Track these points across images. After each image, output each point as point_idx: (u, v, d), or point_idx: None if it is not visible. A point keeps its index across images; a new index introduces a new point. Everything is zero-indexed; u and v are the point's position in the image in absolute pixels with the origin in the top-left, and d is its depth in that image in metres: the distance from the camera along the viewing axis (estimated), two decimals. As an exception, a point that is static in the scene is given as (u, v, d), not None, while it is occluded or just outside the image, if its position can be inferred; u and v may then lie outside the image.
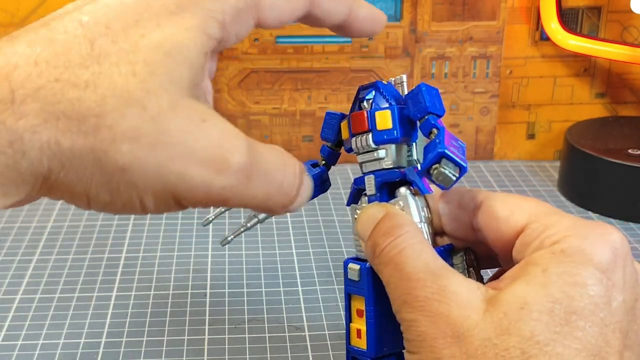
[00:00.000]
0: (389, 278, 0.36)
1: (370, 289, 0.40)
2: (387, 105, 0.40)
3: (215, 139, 0.32)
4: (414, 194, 0.40)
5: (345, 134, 0.42)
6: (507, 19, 0.81)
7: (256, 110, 0.82)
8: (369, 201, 0.41)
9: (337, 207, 0.74)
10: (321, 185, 0.42)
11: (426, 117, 0.38)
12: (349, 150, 0.42)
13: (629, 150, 0.73)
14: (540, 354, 0.31)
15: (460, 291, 0.34)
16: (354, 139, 0.41)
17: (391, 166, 0.40)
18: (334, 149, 0.43)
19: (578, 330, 0.31)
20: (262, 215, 0.43)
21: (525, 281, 0.33)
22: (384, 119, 0.40)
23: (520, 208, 0.36)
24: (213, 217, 0.45)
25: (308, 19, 0.38)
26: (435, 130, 0.38)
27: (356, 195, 0.42)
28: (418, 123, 0.39)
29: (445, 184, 0.37)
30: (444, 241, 0.41)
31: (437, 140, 0.37)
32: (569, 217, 0.35)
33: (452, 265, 0.39)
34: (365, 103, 0.41)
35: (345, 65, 0.81)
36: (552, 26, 0.79)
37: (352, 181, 0.42)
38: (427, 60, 0.82)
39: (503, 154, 0.86)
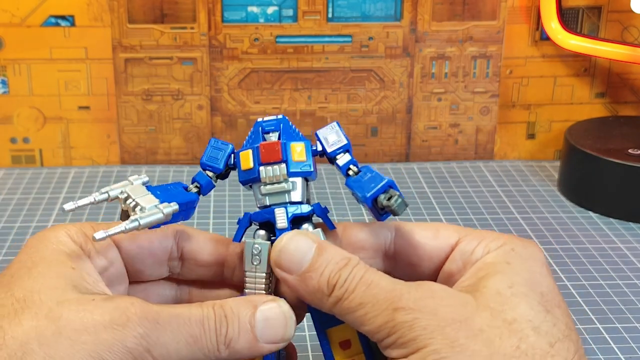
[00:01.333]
0: (363, 299, 0.36)
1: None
2: (300, 139, 0.41)
3: (105, 306, 0.35)
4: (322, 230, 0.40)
5: (247, 164, 0.40)
6: (507, 18, 0.81)
7: (256, 110, 0.82)
8: (278, 234, 0.39)
9: (337, 207, 0.74)
10: (186, 212, 0.40)
11: (345, 153, 0.41)
12: (245, 182, 0.41)
13: (629, 150, 0.73)
14: (544, 323, 0.35)
15: (444, 288, 0.36)
16: (263, 168, 0.40)
17: (299, 199, 0.40)
18: (213, 179, 0.42)
19: (556, 309, 0.36)
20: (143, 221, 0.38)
21: (498, 272, 0.37)
22: (300, 151, 0.40)
23: (444, 228, 0.41)
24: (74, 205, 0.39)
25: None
26: (353, 167, 0.41)
27: (248, 229, 0.41)
28: (337, 159, 0.41)
29: (399, 212, 0.38)
30: None
31: (373, 173, 0.40)
32: (493, 231, 0.40)
33: None
34: (271, 135, 0.41)
35: (345, 65, 0.81)
36: (552, 26, 0.79)
37: (242, 217, 0.41)
38: (427, 60, 0.82)
39: (503, 154, 0.86)
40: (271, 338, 0.37)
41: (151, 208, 0.38)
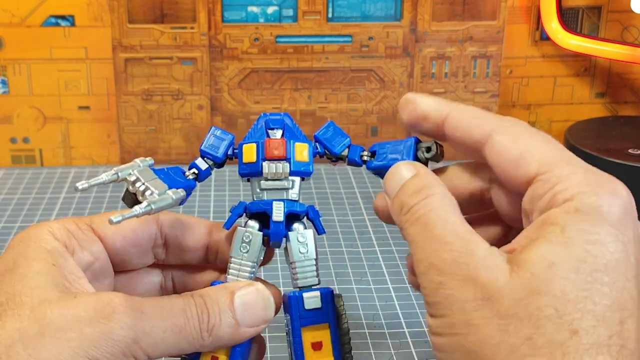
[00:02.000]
0: (415, 237, 0.35)
1: (334, 311, 0.40)
2: (302, 140, 0.42)
3: (88, 301, 0.35)
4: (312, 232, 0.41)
5: (250, 157, 0.41)
6: (508, 18, 0.81)
7: (256, 110, 0.82)
8: (272, 227, 0.40)
9: (337, 207, 0.74)
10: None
11: (350, 147, 0.42)
12: (245, 174, 0.41)
13: (629, 150, 0.73)
14: (574, 312, 0.31)
15: (486, 255, 0.34)
16: (266, 163, 0.40)
17: (296, 198, 0.41)
18: (212, 167, 0.42)
19: (605, 287, 0.32)
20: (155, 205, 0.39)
21: (547, 240, 0.33)
22: (303, 152, 0.41)
23: (531, 153, 0.36)
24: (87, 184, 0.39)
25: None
26: (365, 152, 0.42)
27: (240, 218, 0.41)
28: (344, 153, 0.42)
29: (442, 157, 0.39)
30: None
31: (391, 143, 0.41)
32: (579, 168, 0.35)
33: None
34: (275, 131, 0.41)
35: (345, 65, 0.81)
36: (552, 26, 0.79)
37: (237, 205, 0.41)
38: (427, 60, 0.82)
39: (503, 154, 0.86)
40: (252, 321, 0.38)
41: (162, 193, 0.38)
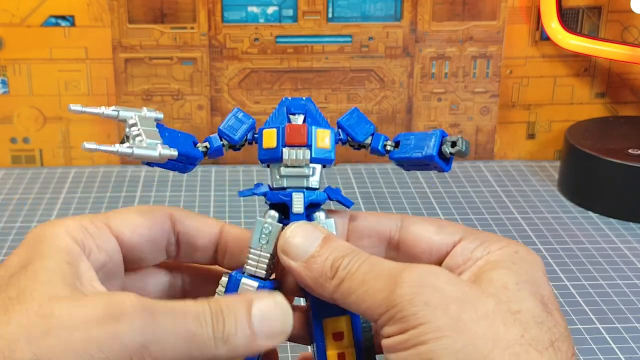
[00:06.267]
0: (366, 276, 0.36)
1: None
2: (324, 126, 0.41)
3: (98, 301, 0.34)
4: (332, 219, 0.41)
5: (270, 143, 0.40)
6: (507, 18, 0.81)
7: (256, 110, 0.82)
8: (292, 219, 0.39)
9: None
10: (184, 165, 0.40)
11: (373, 135, 0.41)
12: (265, 160, 0.40)
13: (629, 150, 0.73)
14: (547, 320, 0.35)
15: (448, 272, 0.36)
16: (287, 149, 0.39)
17: (317, 186, 0.40)
18: (226, 147, 0.41)
19: (553, 310, 0.36)
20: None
21: (505, 268, 0.37)
22: (324, 138, 0.40)
23: (449, 225, 0.41)
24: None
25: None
26: (389, 142, 0.41)
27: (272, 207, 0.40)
28: (367, 141, 0.41)
29: (468, 152, 0.39)
30: None
31: (415, 135, 0.40)
32: (496, 234, 0.41)
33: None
34: (296, 116, 0.41)
35: (345, 65, 0.81)
36: (553, 26, 0.79)
37: (260, 185, 0.40)
38: (427, 60, 0.82)
39: (503, 154, 0.86)
40: (269, 332, 0.36)
41: (151, 144, 0.37)
